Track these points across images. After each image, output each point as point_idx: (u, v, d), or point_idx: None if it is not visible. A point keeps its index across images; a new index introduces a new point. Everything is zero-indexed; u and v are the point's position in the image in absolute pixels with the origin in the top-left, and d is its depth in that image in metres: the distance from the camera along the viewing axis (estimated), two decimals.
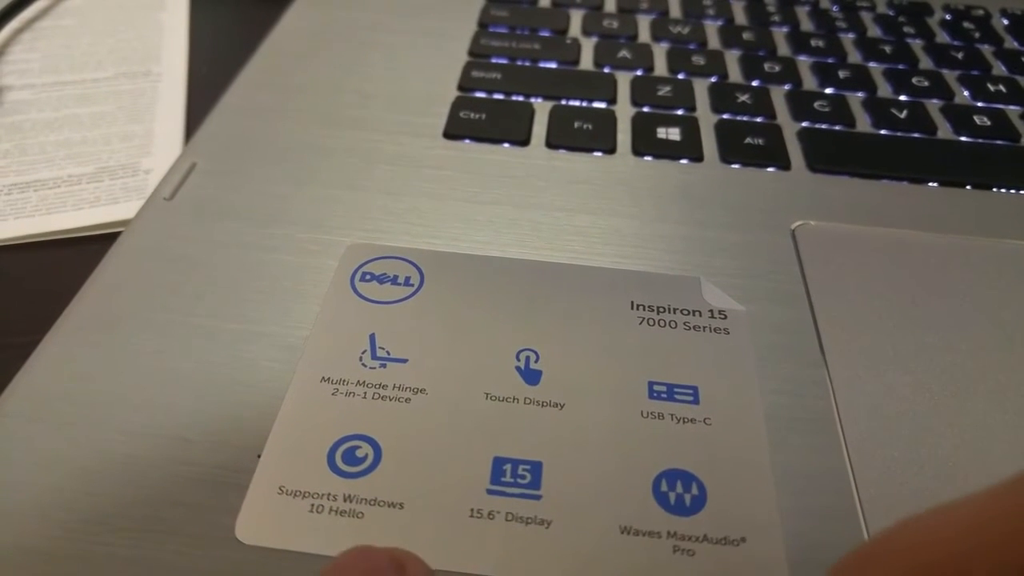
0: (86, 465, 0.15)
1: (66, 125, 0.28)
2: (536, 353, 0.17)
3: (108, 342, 0.17)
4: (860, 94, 0.27)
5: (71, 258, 0.23)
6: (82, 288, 0.18)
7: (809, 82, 0.28)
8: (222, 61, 0.30)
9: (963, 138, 0.25)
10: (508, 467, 0.15)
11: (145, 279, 0.19)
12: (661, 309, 0.18)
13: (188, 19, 0.35)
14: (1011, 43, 0.31)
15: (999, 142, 0.25)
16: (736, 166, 0.24)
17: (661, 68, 0.28)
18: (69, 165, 0.26)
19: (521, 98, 0.26)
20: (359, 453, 0.15)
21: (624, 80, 0.27)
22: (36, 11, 0.34)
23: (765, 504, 0.15)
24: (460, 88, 0.27)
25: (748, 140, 0.25)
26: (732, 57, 0.29)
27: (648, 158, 0.24)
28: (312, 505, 0.14)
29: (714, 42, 0.30)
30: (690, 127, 0.25)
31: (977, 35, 0.31)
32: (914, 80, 0.28)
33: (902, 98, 0.27)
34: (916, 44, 0.31)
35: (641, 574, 0.13)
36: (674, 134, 0.25)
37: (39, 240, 0.23)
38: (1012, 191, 0.23)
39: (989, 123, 0.26)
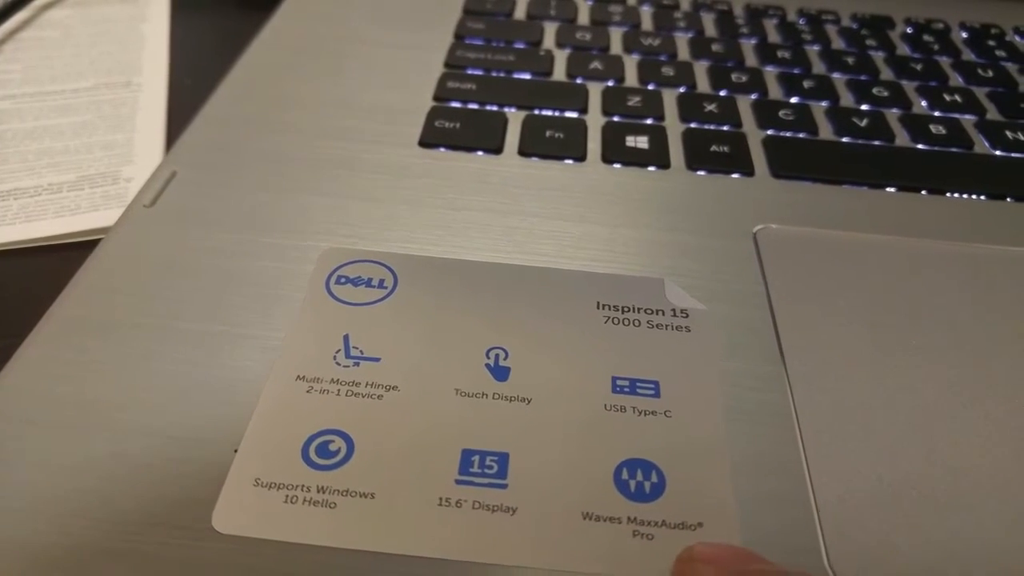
0: (68, 463, 0.15)
1: (47, 135, 0.28)
2: (505, 351, 0.18)
3: (88, 344, 0.17)
4: (823, 103, 0.28)
5: (52, 265, 0.23)
6: (62, 292, 0.19)
7: (775, 92, 0.29)
8: (203, 72, 0.30)
9: (920, 146, 0.26)
10: (476, 458, 0.15)
11: (125, 283, 0.19)
12: (626, 308, 0.19)
13: (169, 30, 0.35)
14: (968, 55, 0.32)
15: (953, 149, 0.26)
16: (702, 173, 0.24)
17: (632, 79, 0.29)
18: (50, 174, 0.26)
19: (495, 108, 0.27)
20: (332, 447, 0.15)
21: (595, 90, 0.28)
22: (17, 22, 0.35)
23: (722, 491, 0.15)
24: (436, 98, 0.27)
25: (714, 148, 0.25)
26: (701, 68, 0.30)
27: (617, 165, 0.25)
28: (287, 496, 0.15)
29: (684, 53, 0.31)
30: (658, 136, 0.26)
31: (936, 47, 0.33)
32: (875, 90, 0.29)
33: (863, 107, 0.28)
34: (878, 56, 0.32)
35: (602, 557, 0.14)
36: (642, 142, 0.25)
37: (20, 247, 0.24)
38: (965, 196, 0.24)
39: (944, 132, 0.27)
